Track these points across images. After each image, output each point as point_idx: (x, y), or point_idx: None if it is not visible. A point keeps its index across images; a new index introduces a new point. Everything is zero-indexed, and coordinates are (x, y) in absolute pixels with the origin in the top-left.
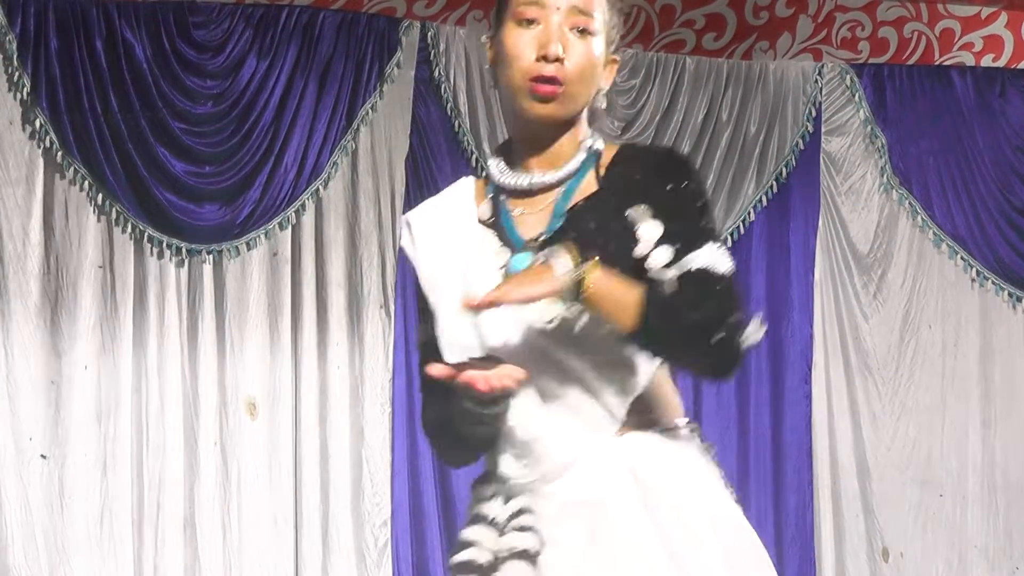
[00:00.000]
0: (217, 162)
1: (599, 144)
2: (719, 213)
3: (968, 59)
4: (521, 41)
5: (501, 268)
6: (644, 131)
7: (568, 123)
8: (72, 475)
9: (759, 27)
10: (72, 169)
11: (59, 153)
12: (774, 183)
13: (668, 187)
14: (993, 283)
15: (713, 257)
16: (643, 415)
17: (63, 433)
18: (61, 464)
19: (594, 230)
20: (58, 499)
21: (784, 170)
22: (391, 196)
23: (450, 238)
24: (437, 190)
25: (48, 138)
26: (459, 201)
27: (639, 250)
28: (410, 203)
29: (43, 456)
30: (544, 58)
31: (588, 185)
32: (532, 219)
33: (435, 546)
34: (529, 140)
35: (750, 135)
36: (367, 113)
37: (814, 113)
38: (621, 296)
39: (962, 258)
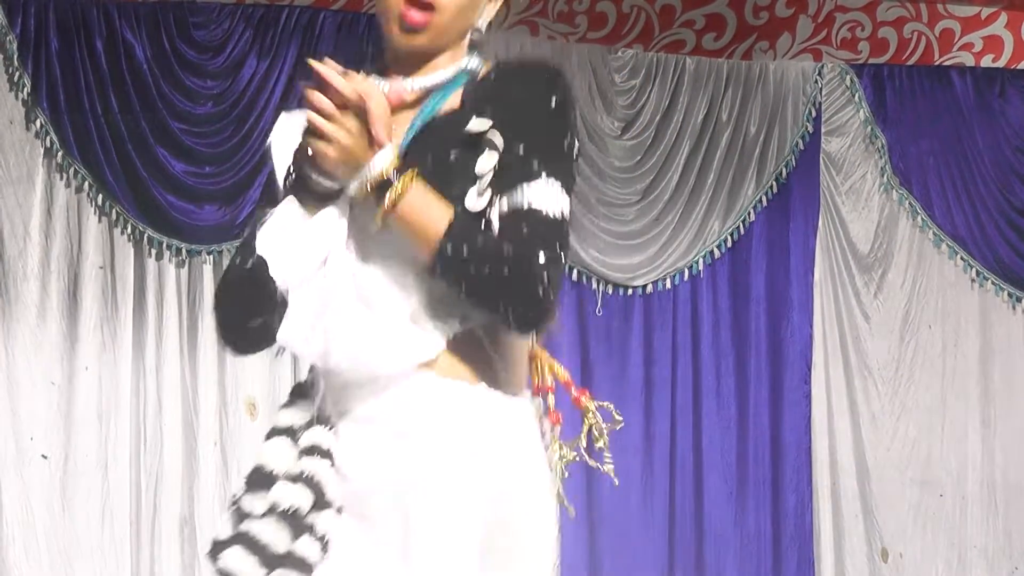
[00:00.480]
0: (217, 162)
1: (474, 64)
2: (719, 213)
3: (968, 59)
4: None
5: None
6: (644, 131)
7: (437, 54)
8: (73, 475)
9: (759, 27)
10: (72, 169)
11: (59, 153)
12: (774, 183)
13: (540, 105)
14: (993, 283)
15: (548, 197)
16: (481, 366)
17: (64, 433)
18: (62, 464)
19: (442, 148)
20: (59, 499)
21: (784, 170)
22: None
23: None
24: None
25: (48, 138)
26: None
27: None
28: None
29: (44, 456)
30: None
31: (453, 102)
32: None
33: None
34: (401, 69)
35: (750, 135)
36: None
37: (814, 113)
38: (428, 218)
39: (962, 258)
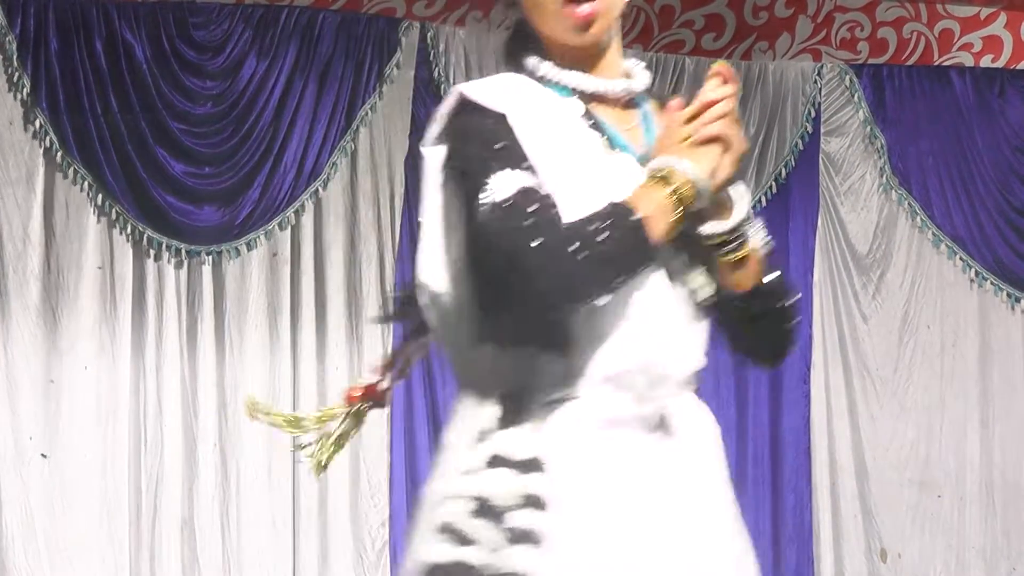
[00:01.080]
0: (216, 163)
1: (639, 56)
2: None
3: (967, 59)
4: None
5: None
6: None
7: (608, 46)
8: (72, 475)
9: (758, 27)
10: (72, 170)
11: (59, 153)
12: (773, 183)
13: None
14: (992, 283)
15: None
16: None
17: (63, 433)
18: (61, 464)
19: None
20: (59, 499)
21: (783, 170)
22: (390, 197)
23: (551, 125)
24: None
25: (48, 138)
26: (542, 93)
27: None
28: (410, 203)
29: (43, 455)
30: None
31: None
32: (629, 136)
33: None
34: (575, 60)
35: (749, 135)
36: (366, 114)
37: (813, 113)
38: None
39: (961, 258)
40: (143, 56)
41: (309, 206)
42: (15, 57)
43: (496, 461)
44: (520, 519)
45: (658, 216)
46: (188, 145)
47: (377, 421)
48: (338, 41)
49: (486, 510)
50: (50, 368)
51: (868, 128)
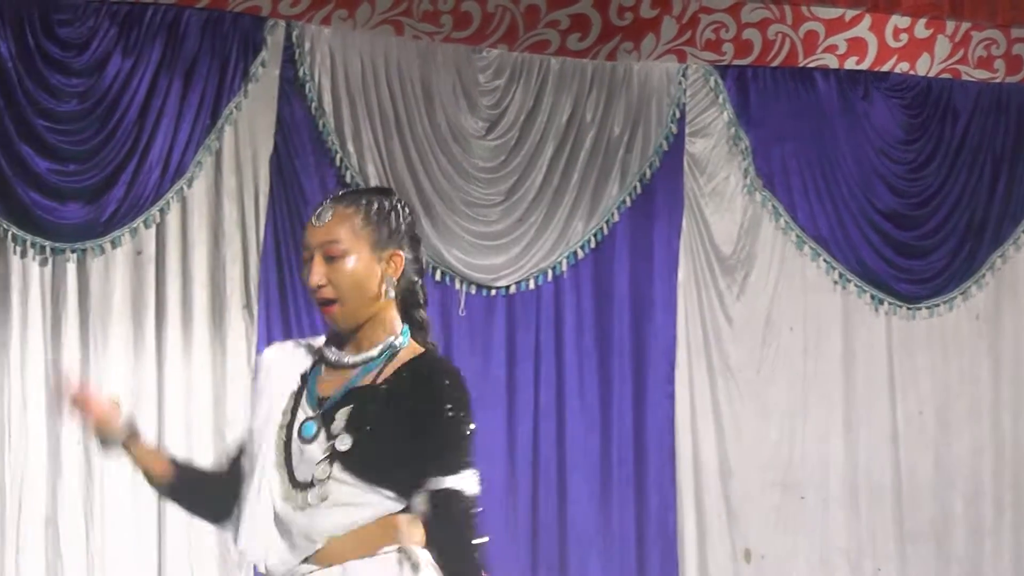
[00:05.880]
0: (81, 160)
1: (399, 342)
2: (583, 214)
3: (832, 61)
4: (305, 276)
5: (296, 430)
6: (508, 131)
7: (364, 320)
8: None
9: (623, 28)
10: None
11: None
12: (638, 184)
13: (447, 410)
14: (856, 285)
15: (465, 482)
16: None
17: None
18: None
19: (361, 410)
20: None
21: (648, 171)
22: (255, 195)
23: (282, 374)
24: (301, 189)
25: None
26: (303, 351)
27: None
28: (275, 202)
29: None
30: (311, 288)
31: (373, 374)
32: (328, 385)
33: None
34: (340, 335)
35: (614, 136)
36: (232, 112)
37: (678, 114)
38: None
39: (824, 260)
40: (7, 52)
41: (174, 204)
42: None
43: None
44: None
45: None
46: (53, 142)
47: (241, 422)
48: (203, 39)
49: None
50: None
51: (733, 129)
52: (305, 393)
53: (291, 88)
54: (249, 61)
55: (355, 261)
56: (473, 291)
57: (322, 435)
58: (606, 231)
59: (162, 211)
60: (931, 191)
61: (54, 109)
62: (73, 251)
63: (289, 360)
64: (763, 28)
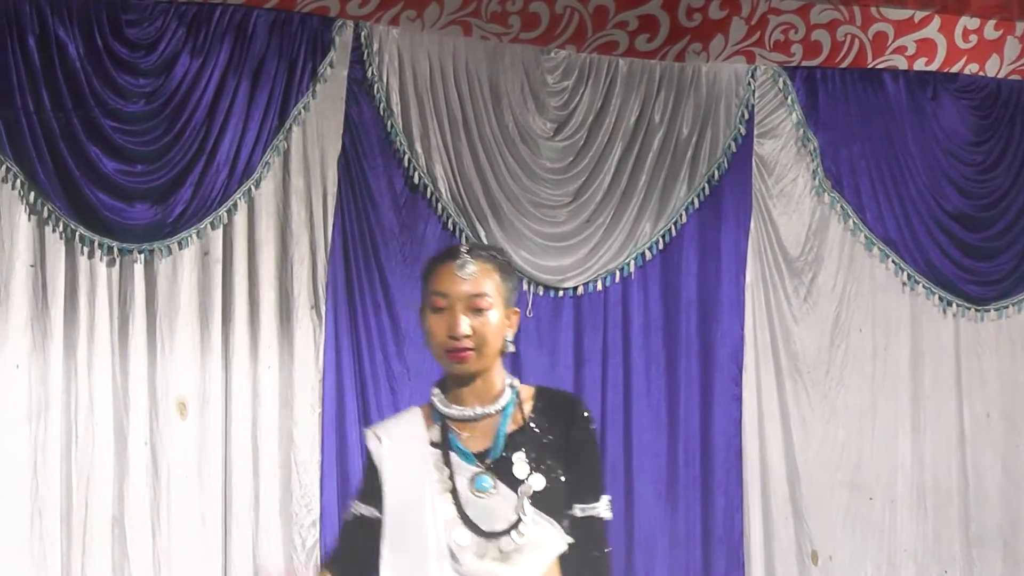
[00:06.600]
0: (149, 161)
1: (515, 382)
2: (651, 215)
3: (901, 63)
4: (435, 325)
5: (468, 488)
6: (576, 132)
7: (486, 368)
8: (2, 473)
9: (692, 29)
10: (4, 167)
11: None
12: (706, 185)
13: (590, 439)
14: (924, 287)
15: (604, 509)
16: None
17: None
18: None
19: (527, 451)
20: None
21: (716, 172)
22: (323, 196)
23: (407, 451)
24: (369, 190)
25: None
26: (412, 425)
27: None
28: (342, 202)
29: None
30: (453, 337)
31: (516, 417)
32: (475, 440)
33: None
34: (459, 380)
35: (682, 137)
36: (299, 112)
37: (746, 116)
38: None
39: (893, 261)
40: (76, 53)
41: (242, 205)
42: None
43: None
44: None
45: None
46: (120, 143)
47: (309, 422)
48: (271, 39)
49: None
50: None
51: (801, 130)
52: (454, 453)
53: (359, 88)
54: (317, 61)
55: (496, 316)
56: (541, 292)
57: (500, 485)
58: (674, 232)
59: (229, 212)
60: (999, 193)
61: (122, 110)
62: (140, 252)
63: (405, 438)
64: (832, 29)
